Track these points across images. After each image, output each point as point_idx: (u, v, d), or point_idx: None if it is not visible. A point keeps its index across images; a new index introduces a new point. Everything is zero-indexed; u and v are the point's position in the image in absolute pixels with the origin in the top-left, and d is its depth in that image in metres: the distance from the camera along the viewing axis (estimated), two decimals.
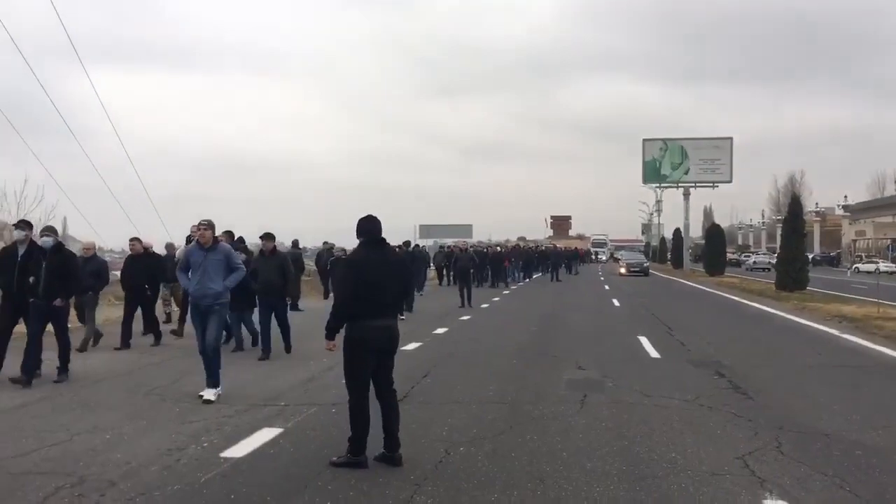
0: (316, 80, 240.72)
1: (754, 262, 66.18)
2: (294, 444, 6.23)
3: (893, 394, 9.00)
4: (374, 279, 5.55)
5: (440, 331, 14.70)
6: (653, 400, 8.09)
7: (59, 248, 9.05)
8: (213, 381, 7.91)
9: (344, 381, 5.74)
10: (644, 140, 58.83)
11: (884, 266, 56.77)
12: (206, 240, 8.19)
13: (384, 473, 5.39)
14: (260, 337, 11.23)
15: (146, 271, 12.45)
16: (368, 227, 5.75)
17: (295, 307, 19.53)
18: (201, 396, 7.79)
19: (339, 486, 5.09)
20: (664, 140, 58.36)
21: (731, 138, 57.44)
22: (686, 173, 57.05)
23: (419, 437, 6.43)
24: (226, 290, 8.26)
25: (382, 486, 5.10)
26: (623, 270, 47.47)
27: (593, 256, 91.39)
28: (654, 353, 11.87)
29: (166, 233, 21.66)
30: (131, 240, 12.94)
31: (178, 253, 13.07)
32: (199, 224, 8.29)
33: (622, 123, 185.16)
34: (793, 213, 28.87)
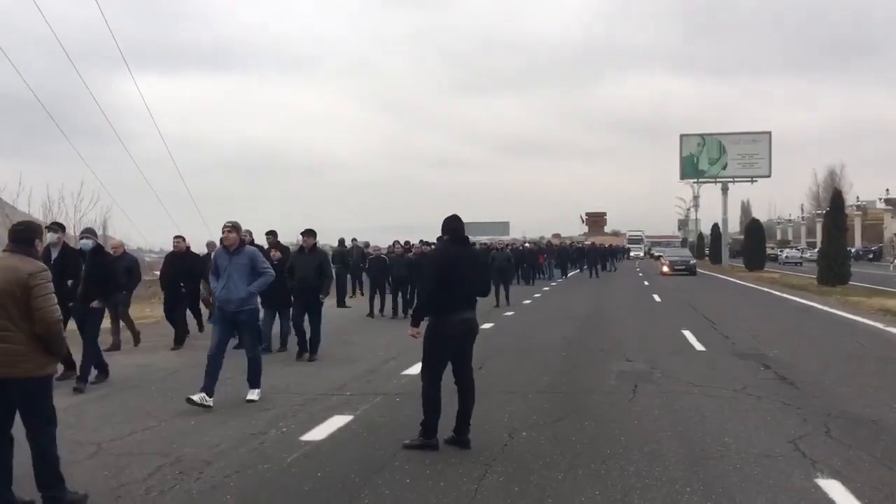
0: (350, 78, 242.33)
1: (786, 257, 66.67)
2: (366, 429, 6.66)
3: None
4: (460, 274, 5.99)
5: (486, 326, 15.06)
6: (702, 390, 8.38)
7: (98, 249, 8.99)
8: (255, 383, 7.98)
9: (420, 371, 6.16)
10: (682, 135, 58.43)
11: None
12: (230, 242, 7.89)
13: (455, 455, 5.79)
14: (296, 335, 10.83)
15: (184, 269, 12.51)
16: (454, 226, 6.20)
17: (342, 303, 20.04)
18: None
19: (415, 467, 5.50)
20: (702, 135, 57.91)
21: (769, 132, 56.78)
22: (724, 168, 56.54)
23: (482, 423, 6.79)
24: (250, 295, 7.92)
25: (455, 466, 5.50)
26: (666, 269, 41.50)
27: (629, 254, 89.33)
28: (698, 346, 12.12)
29: (209, 232, 22.22)
30: (176, 237, 12.94)
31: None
32: (224, 226, 7.99)
33: (657, 119, 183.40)
34: (834, 208, 28.74)
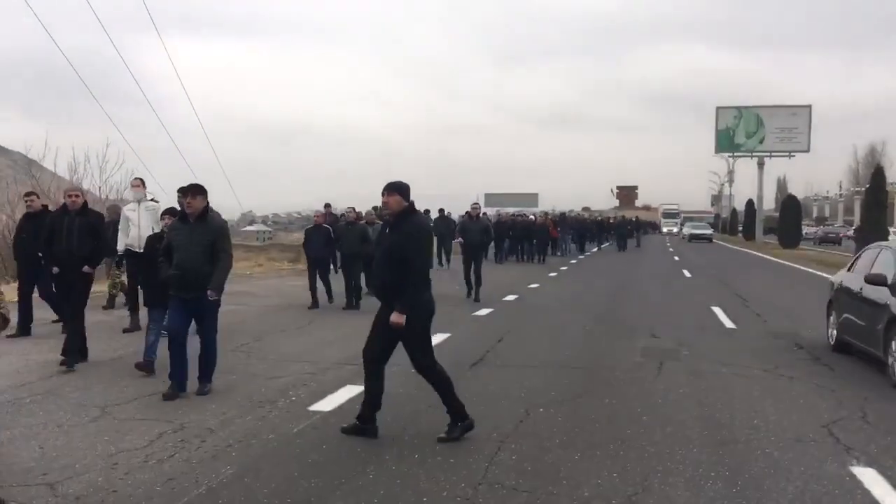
0: (383, 49, 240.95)
1: (806, 234, 64.52)
2: None
3: None
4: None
5: (510, 297, 14.80)
6: (731, 369, 8.03)
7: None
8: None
9: (426, 356, 5.47)
10: (718, 108, 57.22)
11: None
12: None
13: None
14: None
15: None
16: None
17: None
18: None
19: (424, 442, 5.26)
20: (738, 108, 56.63)
21: (809, 106, 55.33)
22: (761, 142, 55.31)
23: (499, 397, 6.57)
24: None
25: (468, 442, 5.24)
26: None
27: (662, 229, 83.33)
28: (728, 324, 11.72)
29: (236, 201, 22.07)
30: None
31: None
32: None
33: (692, 91, 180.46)
34: (875, 184, 27.83)
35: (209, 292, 6.38)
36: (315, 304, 12.64)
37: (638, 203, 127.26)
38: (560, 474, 4.66)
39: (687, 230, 60.78)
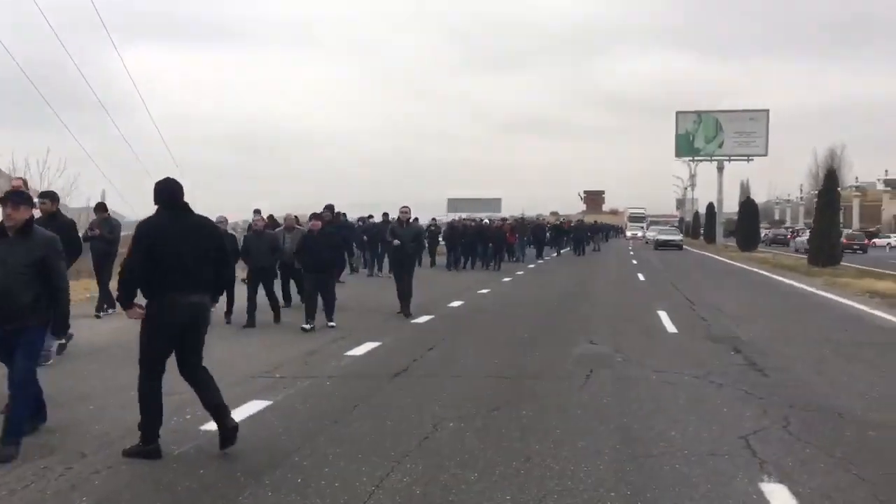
0: (355, 56, 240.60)
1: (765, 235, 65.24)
2: (280, 417, 6.06)
3: None
4: (177, 248, 5.04)
5: (456, 304, 14.48)
6: (662, 376, 7.77)
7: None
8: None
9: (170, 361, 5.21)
10: (677, 112, 57.68)
11: (894, 240, 55.82)
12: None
13: (364, 450, 5.16)
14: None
15: None
16: (170, 190, 5.22)
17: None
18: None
19: (315, 462, 4.89)
20: (698, 113, 57.16)
21: (766, 110, 55.97)
22: (720, 146, 55.85)
23: (410, 411, 6.22)
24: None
25: (359, 463, 4.88)
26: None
27: (626, 233, 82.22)
28: (671, 328, 11.52)
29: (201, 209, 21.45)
30: None
31: None
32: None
33: (658, 97, 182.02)
34: (828, 187, 28.02)
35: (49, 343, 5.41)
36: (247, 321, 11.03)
37: (605, 207, 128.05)
38: (449, 497, 4.31)
39: (653, 235, 53.75)
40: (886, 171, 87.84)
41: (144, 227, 5.15)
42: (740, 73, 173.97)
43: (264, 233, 12.06)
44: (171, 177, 5.34)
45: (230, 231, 11.60)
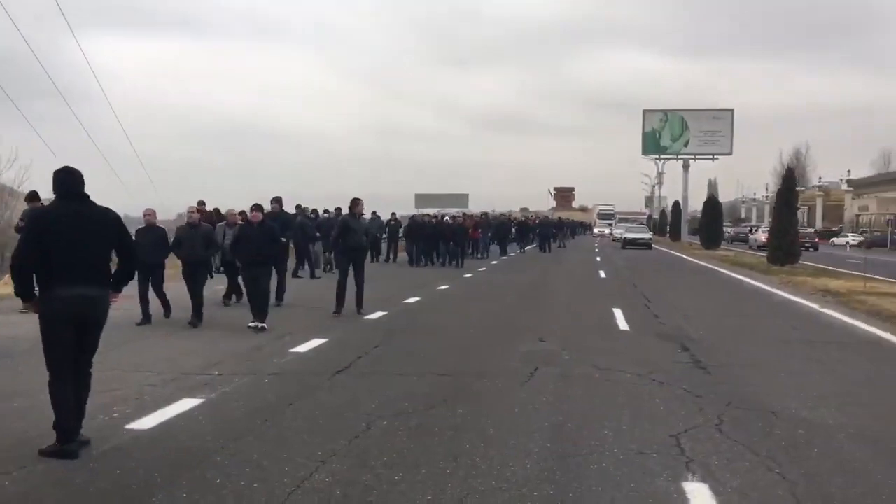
0: (323, 51, 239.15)
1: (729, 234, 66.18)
2: (210, 415, 5.94)
3: (859, 370, 8.68)
4: (70, 239, 4.88)
5: (412, 300, 14.40)
6: (605, 374, 7.77)
7: None
8: None
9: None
10: (644, 111, 58.16)
11: (851, 239, 57.16)
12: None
13: (291, 449, 5.07)
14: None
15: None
16: (65, 180, 5.06)
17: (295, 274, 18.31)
18: None
19: (238, 462, 4.79)
20: (664, 111, 57.70)
21: (731, 110, 56.74)
22: (686, 145, 56.45)
23: (345, 410, 6.15)
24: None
25: (283, 463, 4.79)
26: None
27: (594, 230, 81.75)
28: (623, 326, 11.56)
29: (160, 202, 20.99)
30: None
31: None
32: None
33: (628, 96, 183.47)
34: (787, 187, 28.36)
35: None
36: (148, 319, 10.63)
37: (575, 204, 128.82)
38: (368, 498, 4.25)
39: (620, 233, 51.45)
40: (849, 171, 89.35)
41: (35, 215, 5.01)
42: (710, 72, 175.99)
43: (200, 225, 11.37)
44: (70, 165, 5.17)
45: (158, 225, 11.18)
